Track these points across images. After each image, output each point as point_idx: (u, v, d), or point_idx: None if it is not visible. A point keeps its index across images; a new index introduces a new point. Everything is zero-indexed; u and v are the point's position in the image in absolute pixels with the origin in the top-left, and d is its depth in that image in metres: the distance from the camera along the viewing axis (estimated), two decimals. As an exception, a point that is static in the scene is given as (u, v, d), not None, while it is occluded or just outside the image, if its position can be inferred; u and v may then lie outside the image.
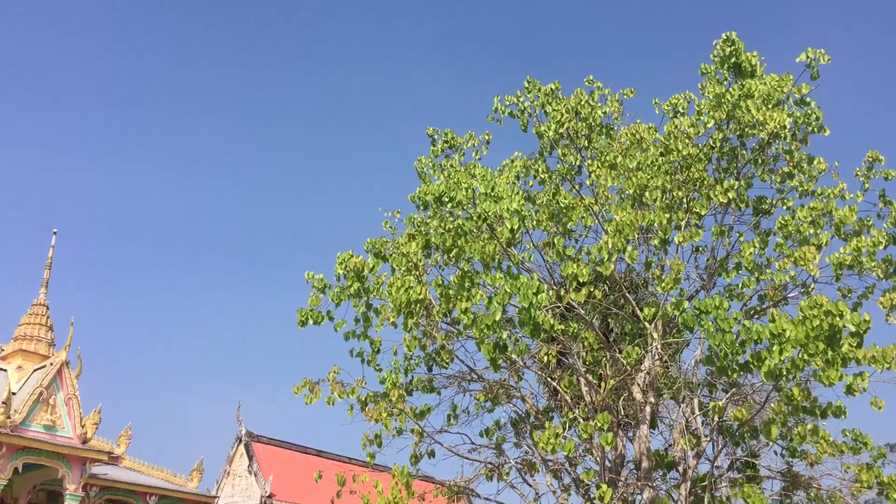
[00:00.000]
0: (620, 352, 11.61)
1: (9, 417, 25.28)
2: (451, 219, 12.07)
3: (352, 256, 11.91)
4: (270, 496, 39.98)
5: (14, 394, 26.38)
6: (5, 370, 27.84)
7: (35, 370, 27.93)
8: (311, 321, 12.15)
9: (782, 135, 11.81)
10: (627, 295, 12.17)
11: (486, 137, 13.13)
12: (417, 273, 12.01)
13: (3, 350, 29.73)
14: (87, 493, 28.68)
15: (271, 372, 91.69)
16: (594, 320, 11.73)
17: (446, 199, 11.58)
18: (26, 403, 26.10)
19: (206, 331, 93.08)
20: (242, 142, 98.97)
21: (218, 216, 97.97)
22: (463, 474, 13.43)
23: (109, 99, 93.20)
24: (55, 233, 30.89)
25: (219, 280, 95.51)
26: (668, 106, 13.30)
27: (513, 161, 13.30)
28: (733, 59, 12.67)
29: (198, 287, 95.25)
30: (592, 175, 12.10)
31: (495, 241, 11.22)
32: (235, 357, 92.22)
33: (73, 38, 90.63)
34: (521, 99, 13.16)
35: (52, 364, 27.50)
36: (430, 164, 13.14)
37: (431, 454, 12.74)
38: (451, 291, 10.94)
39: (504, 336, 10.20)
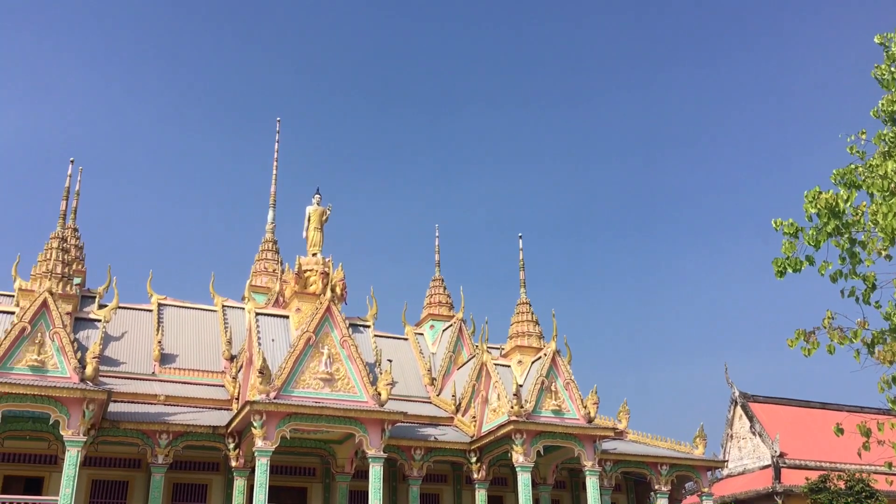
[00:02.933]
0: None
1: (522, 407, 28.16)
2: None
3: (820, 192, 10.88)
4: (781, 455, 38.48)
5: (521, 386, 29.32)
6: (508, 366, 31.07)
7: (533, 362, 30.71)
8: (789, 269, 11.35)
9: None
10: None
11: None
12: (903, 193, 10.51)
13: (503, 349, 33.27)
14: (602, 468, 30.63)
15: (751, 328, 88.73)
16: None
17: (921, 103, 9.96)
18: (533, 393, 28.82)
19: (673, 298, 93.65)
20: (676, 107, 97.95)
21: (653, 186, 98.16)
22: None
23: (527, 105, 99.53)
24: (520, 237, 33.81)
25: (680, 245, 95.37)
26: None
27: None
28: None
29: (659, 257, 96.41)
30: None
31: None
32: (710, 319, 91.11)
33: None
34: None
35: (545, 355, 29.99)
36: (891, 74, 11.39)
37: (970, 390, 10.98)
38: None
39: None
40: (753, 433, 42.48)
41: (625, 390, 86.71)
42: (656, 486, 32.21)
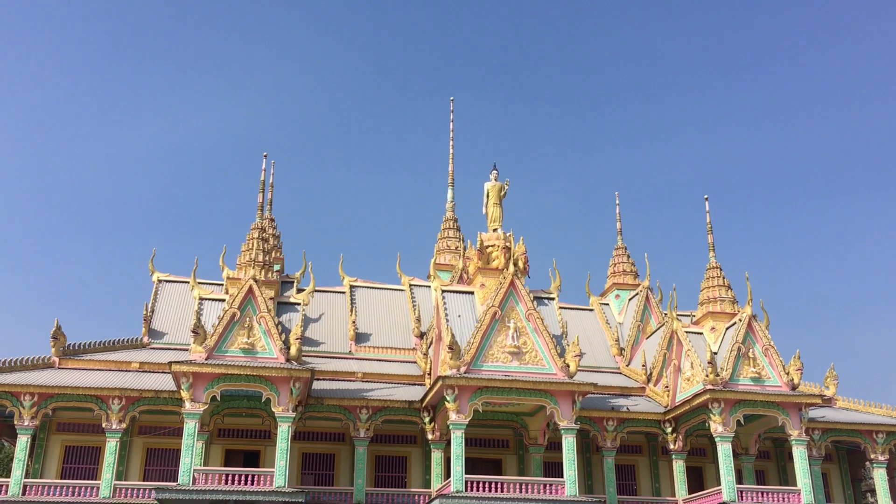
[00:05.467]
0: None
1: (717, 375, 27.08)
2: None
3: None
4: None
5: (715, 353, 28.17)
6: (701, 333, 29.93)
7: (727, 329, 29.40)
8: None
9: None
10: None
11: None
12: None
13: (693, 316, 32.10)
14: (810, 437, 28.91)
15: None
16: None
17: None
18: (729, 360, 27.61)
19: (876, 255, 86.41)
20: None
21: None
22: None
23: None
24: (706, 199, 32.44)
25: (886, 197, 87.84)
26: None
27: None
28: None
29: (860, 211, 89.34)
30: None
31: None
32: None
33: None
34: None
35: (740, 320, 28.60)
36: None
37: None
38: None
39: None
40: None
41: (831, 355, 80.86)
42: (872, 456, 30.02)
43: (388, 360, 32.08)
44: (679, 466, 28.99)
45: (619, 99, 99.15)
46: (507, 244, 29.53)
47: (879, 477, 29.94)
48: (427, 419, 27.31)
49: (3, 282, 78.88)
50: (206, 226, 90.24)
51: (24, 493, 24.57)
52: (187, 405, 24.31)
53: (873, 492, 32.96)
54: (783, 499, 26.57)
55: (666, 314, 32.18)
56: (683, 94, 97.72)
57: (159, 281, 33.34)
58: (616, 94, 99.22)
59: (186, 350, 27.22)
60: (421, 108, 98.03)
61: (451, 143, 41.66)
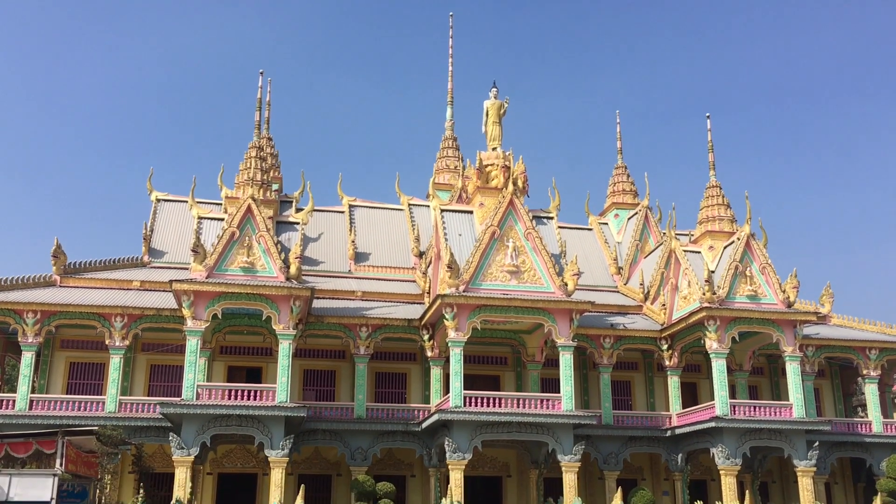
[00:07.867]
0: None
1: (714, 293, 27.30)
2: None
3: None
4: None
5: (712, 272, 28.33)
6: (699, 252, 30.04)
7: (725, 247, 29.50)
8: None
9: None
10: None
11: None
12: None
13: (692, 235, 32.16)
14: (804, 353, 29.35)
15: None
16: None
17: None
18: (726, 279, 27.80)
19: (878, 172, 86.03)
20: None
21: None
22: None
23: None
24: (708, 117, 32.17)
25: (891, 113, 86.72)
26: None
27: None
28: None
29: (864, 128, 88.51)
30: None
31: None
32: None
33: None
34: None
35: (738, 239, 28.68)
36: None
37: None
38: None
39: None
40: (978, 315, 38.99)
41: (828, 273, 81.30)
42: (864, 372, 30.54)
43: (387, 280, 32.28)
44: (674, 382, 29.52)
45: (621, 16, 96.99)
46: (507, 163, 29.35)
47: (871, 392, 30.53)
48: (426, 337, 27.65)
49: (2, 201, 78.80)
50: (204, 145, 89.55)
51: (30, 408, 25.10)
52: (189, 323, 24.58)
53: (864, 406, 33.65)
54: (775, 412, 27.14)
55: (665, 233, 32.25)
56: (685, 10, 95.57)
57: (158, 200, 33.25)
58: (617, 10, 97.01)
59: (186, 269, 27.35)
60: (420, 23, 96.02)
61: (450, 60, 40.96)
